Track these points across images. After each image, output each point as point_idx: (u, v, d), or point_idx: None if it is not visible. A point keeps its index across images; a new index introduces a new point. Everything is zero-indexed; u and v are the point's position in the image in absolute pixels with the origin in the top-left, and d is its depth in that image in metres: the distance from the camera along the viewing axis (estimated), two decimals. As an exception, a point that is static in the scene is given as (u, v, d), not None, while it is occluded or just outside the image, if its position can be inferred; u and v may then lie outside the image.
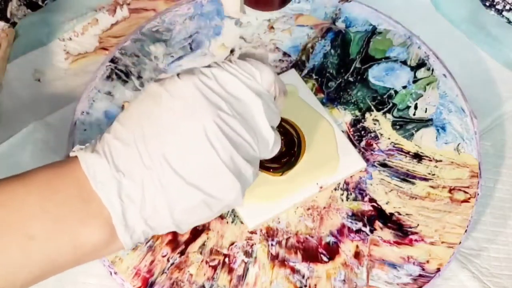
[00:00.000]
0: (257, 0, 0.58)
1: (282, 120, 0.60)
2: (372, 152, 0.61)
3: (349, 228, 0.57)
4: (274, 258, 0.56)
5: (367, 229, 0.57)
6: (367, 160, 0.60)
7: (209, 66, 0.49)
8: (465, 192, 0.59)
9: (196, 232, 0.56)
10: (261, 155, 0.49)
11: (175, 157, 0.46)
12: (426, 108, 0.63)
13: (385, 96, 0.63)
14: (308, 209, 0.58)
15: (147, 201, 0.46)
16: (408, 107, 0.63)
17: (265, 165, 0.58)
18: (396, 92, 0.64)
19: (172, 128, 0.46)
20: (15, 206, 0.44)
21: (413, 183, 0.59)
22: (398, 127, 0.62)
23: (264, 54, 0.52)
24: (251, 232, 0.57)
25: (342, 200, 0.58)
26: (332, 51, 0.66)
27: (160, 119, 0.46)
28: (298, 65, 0.65)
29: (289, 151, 0.59)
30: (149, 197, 0.45)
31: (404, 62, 0.65)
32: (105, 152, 0.46)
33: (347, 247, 0.56)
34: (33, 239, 0.44)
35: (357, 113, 0.63)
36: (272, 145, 0.49)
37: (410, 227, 0.57)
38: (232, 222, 0.57)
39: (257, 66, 0.49)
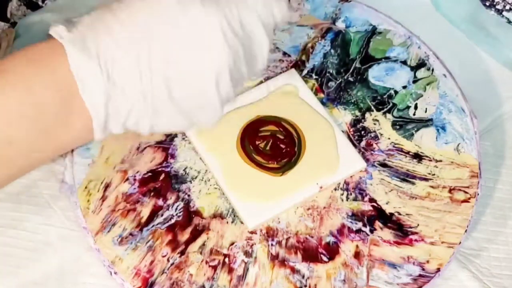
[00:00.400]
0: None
1: (282, 120, 0.61)
2: (372, 152, 0.61)
3: (349, 228, 0.57)
4: (274, 258, 0.56)
5: (367, 229, 0.57)
6: (367, 160, 0.60)
7: None
8: (465, 192, 0.59)
9: (196, 232, 0.56)
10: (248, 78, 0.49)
11: (178, 87, 0.45)
12: (426, 108, 0.63)
13: (385, 96, 0.63)
14: (308, 209, 0.58)
15: (132, 117, 0.45)
16: (408, 107, 0.63)
17: (265, 165, 0.59)
18: (396, 92, 0.64)
19: (182, 57, 0.44)
20: None
21: (413, 183, 0.59)
22: (398, 127, 0.62)
23: None
24: (251, 232, 0.57)
25: (342, 200, 0.58)
26: (332, 51, 0.66)
27: (173, 41, 0.44)
28: (298, 65, 0.65)
29: (289, 151, 0.59)
30: (135, 114, 0.45)
31: (404, 62, 0.65)
32: (99, 56, 0.43)
33: (347, 247, 0.56)
34: (11, 144, 0.43)
35: (357, 113, 0.63)
36: (261, 68, 0.49)
37: (410, 227, 0.57)
38: (232, 222, 0.57)
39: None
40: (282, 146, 0.60)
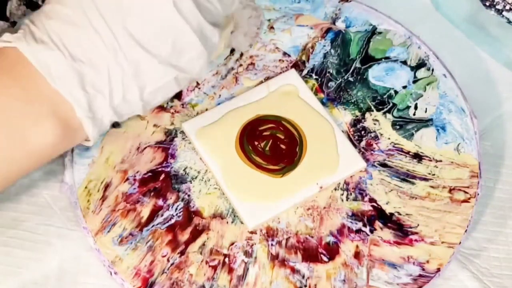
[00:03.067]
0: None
1: (282, 119, 0.61)
2: (372, 152, 0.61)
3: (349, 228, 0.57)
4: (274, 258, 0.56)
5: (367, 229, 0.57)
6: (367, 160, 0.60)
7: None
8: (465, 192, 0.59)
9: (196, 232, 0.56)
10: (224, 12, 0.46)
11: (143, 33, 0.41)
12: (426, 108, 0.63)
13: (385, 96, 0.63)
14: (308, 209, 0.58)
15: (115, 87, 0.41)
16: (408, 107, 0.63)
17: (264, 167, 0.58)
18: (396, 92, 0.64)
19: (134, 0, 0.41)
20: None
21: (413, 183, 0.59)
22: (398, 127, 0.62)
23: None
24: (251, 232, 0.57)
25: (342, 200, 0.58)
26: (332, 51, 0.66)
27: None
28: (298, 65, 0.65)
29: (290, 151, 0.59)
30: (116, 81, 0.41)
31: (404, 62, 0.65)
32: (54, 41, 0.40)
33: (347, 247, 0.56)
34: None
35: (357, 113, 0.63)
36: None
37: (410, 227, 0.57)
38: (232, 222, 0.57)
39: None
40: (282, 146, 0.60)
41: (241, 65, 0.64)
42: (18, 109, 0.41)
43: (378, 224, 0.57)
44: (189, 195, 0.58)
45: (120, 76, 0.41)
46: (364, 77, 0.64)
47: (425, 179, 0.60)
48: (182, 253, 0.55)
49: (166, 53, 0.43)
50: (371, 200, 0.59)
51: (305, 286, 0.55)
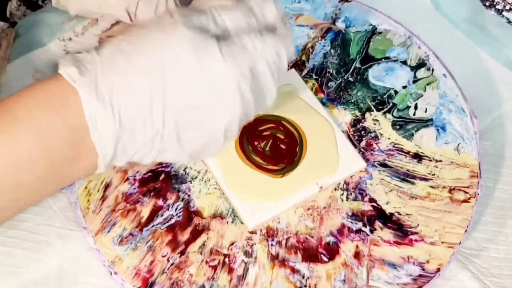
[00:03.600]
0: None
1: (282, 119, 0.61)
2: (372, 152, 0.61)
3: (349, 228, 0.57)
4: (274, 258, 0.56)
5: (367, 229, 0.57)
6: (367, 160, 0.60)
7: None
8: (465, 192, 0.59)
9: (196, 232, 0.56)
10: (257, 110, 0.50)
11: (188, 134, 0.46)
12: (426, 108, 0.63)
13: (385, 96, 0.63)
14: (308, 209, 0.58)
15: (137, 155, 0.46)
16: (408, 107, 0.63)
17: (264, 167, 0.58)
18: (396, 92, 0.64)
19: (195, 107, 0.45)
20: (2, 158, 0.43)
21: (413, 183, 0.59)
22: (398, 127, 0.62)
23: None
24: (251, 232, 0.57)
25: (342, 200, 0.58)
26: (332, 51, 0.66)
27: (188, 90, 0.45)
28: (298, 65, 0.65)
29: (290, 151, 0.59)
30: (141, 153, 0.46)
31: (404, 62, 0.65)
32: (112, 103, 0.44)
33: (347, 247, 0.56)
34: (21, 187, 0.44)
35: (357, 113, 0.63)
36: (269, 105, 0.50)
37: (410, 227, 0.57)
38: (232, 222, 0.57)
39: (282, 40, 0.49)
40: (282, 146, 0.60)
41: (241, 65, 0.64)
42: (64, 152, 0.44)
43: (378, 224, 0.57)
44: (189, 195, 0.58)
45: (146, 152, 0.47)
46: (364, 77, 0.64)
47: (425, 179, 0.60)
48: (182, 253, 0.55)
49: (193, 149, 0.48)
50: (371, 200, 0.59)
51: (305, 286, 0.55)
